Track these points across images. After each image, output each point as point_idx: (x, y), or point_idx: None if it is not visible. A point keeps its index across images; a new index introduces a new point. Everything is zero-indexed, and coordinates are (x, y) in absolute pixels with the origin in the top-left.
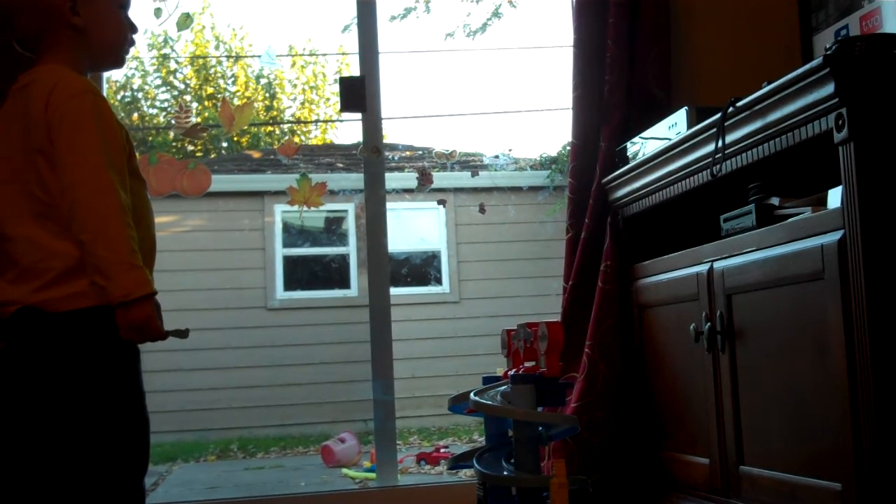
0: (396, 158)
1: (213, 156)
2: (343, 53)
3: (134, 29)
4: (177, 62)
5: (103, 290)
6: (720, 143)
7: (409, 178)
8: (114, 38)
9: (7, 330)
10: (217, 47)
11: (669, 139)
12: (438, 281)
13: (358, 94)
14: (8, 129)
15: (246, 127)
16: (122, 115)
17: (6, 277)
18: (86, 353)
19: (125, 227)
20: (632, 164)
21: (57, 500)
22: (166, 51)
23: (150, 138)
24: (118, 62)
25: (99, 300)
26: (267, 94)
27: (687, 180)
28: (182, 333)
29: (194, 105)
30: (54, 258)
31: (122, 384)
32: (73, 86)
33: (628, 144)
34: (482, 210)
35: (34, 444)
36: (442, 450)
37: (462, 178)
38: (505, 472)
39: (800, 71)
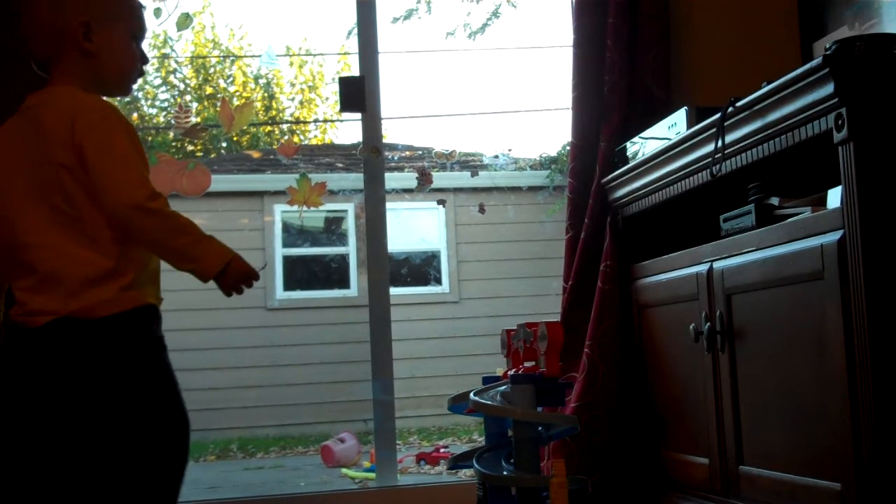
0: (396, 158)
1: (212, 156)
2: (343, 53)
3: (145, 60)
4: (176, 62)
5: (131, 297)
6: (720, 143)
7: (408, 178)
8: (123, 67)
9: (41, 341)
10: (215, 47)
11: (669, 139)
12: (438, 281)
13: (357, 93)
14: (23, 144)
15: (245, 127)
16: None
17: (21, 285)
18: (128, 355)
19: (180, 216)
20: (631, 164)
21: (112, 497)
22: (166, 50)
23: (150, 138)
24: (124, 91)
25: (129, 305)
26: (266, 94)
27: (686, 180)
28: (263, 268)
29: (194, 105)
30: (82, 265)
31: (163, 375)
32: (98, 108)
33: (628, 144)
34: (482, 210)
35: (90, 447)
36: (442, 450)
37: (462, 178)
38: (504, 472)
39: (799, 71)
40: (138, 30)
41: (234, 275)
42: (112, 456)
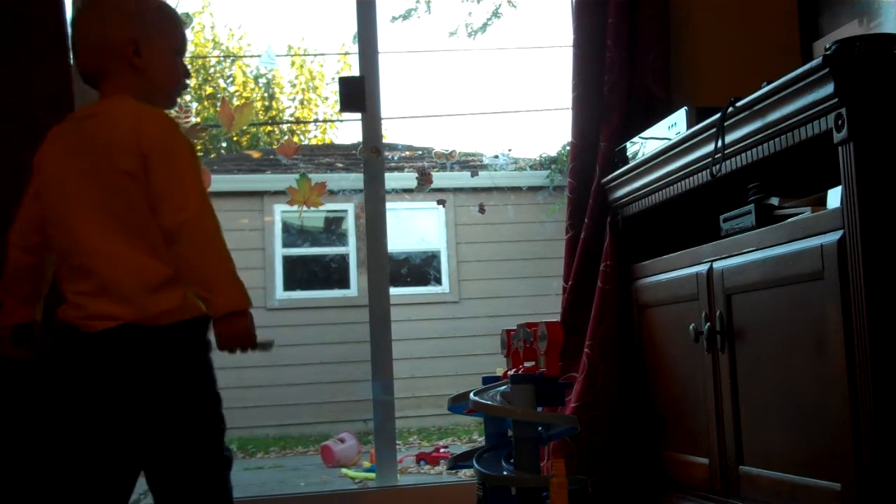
0: (396, 158)
1: (212, 156)
2: (343, 53)
3: (187, 74)
4: None
5: (192, 305)
6: (720, 143)
7: (408, 178)
8: (168, 82)
9: (105, 345)
10: (215, 47)
11: (669, 139)
12: (438, 281)
13: (357, 93)
14: (80, 153)
15: (245, 127)
16: None
17: (78, 289)
18: (187, 361)
19: (226, 248)
20: (631, 164)
21: (187, 462)
22: None
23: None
24: (170, 104)
25: (191, 314)
26: (266, 94)
27: (686, 180)
28: (267, 346)
29: (194, 105)
30: (142, 272)
31: (209, 379)
32: (161, 120)
33: (628, 144)
34: (482, 210)
35: (162, 431)
36: (441, 450)
37: (462, 178)
38: (504, 472)
39: (799, 71)
40: (181, 44)
41: (235, 326)
42: (173, 440)
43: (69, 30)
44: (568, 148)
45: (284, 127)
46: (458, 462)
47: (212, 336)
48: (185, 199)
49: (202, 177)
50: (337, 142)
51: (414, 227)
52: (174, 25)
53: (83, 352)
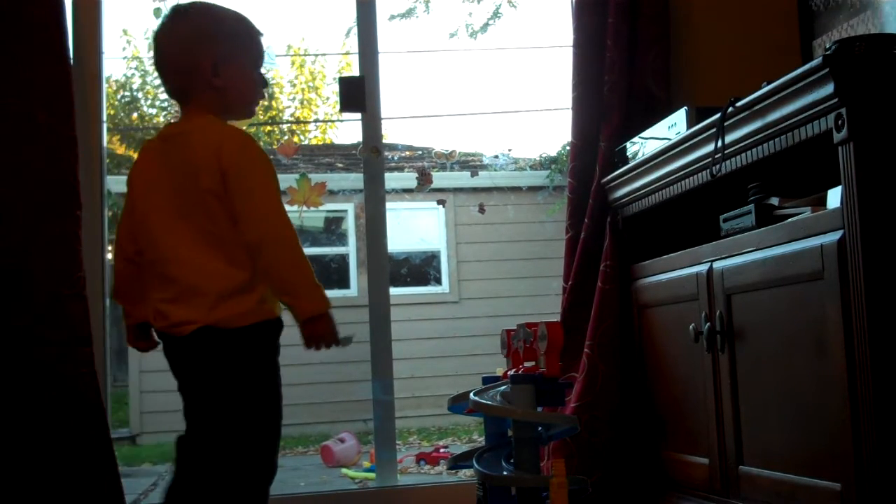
0: (396, 158)
1: None
2: (343, 53)
3: (265, 84)
4: None
5: (264, 310)
6: (720, 143)
7: (408, 178)
8: (247, 96)
9: (189, 346)
10: None
11: (669, 139)
12: (438, 281)
13: (357, 93)
14: (167, 168)
15: (245, 127)
16: (122, 114)
17: (162, 296)
18: (256, 358)
19: (304, 257)
20: (631, 164)
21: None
22: None
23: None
24: (249, 115)
25: (264, 317)
26: (266, 94)
27: (686, 180)
28: (347, 341)
29: None
30: (221, 279)
31: (275, 376)
32: (239, 139)
33: (628, 144)
34: (482, 210)
35: (232, 416)
36: (441, 450)
37: (462, 178)
38: (504, 472)
39: (799, 71)
40: (258, 57)
41: (320, 328)
42: (227, 432)
43: (153, 45)
44: (568, 148)
45: (284, 127)
46: (458, 462)
47: (283, 339)
48: (261, 215)
49: (278, 188)
50: (337, 142)
51: (414, 227)
52: (251, 39)
53: (175, 352)
